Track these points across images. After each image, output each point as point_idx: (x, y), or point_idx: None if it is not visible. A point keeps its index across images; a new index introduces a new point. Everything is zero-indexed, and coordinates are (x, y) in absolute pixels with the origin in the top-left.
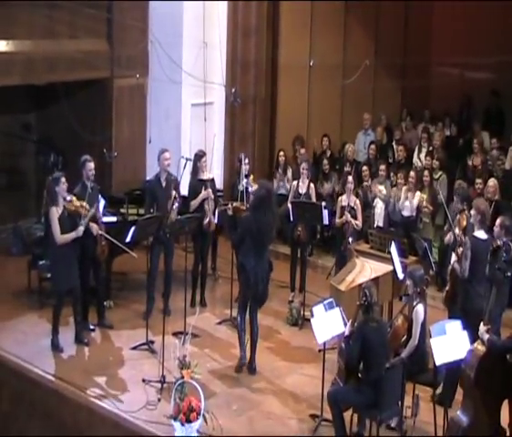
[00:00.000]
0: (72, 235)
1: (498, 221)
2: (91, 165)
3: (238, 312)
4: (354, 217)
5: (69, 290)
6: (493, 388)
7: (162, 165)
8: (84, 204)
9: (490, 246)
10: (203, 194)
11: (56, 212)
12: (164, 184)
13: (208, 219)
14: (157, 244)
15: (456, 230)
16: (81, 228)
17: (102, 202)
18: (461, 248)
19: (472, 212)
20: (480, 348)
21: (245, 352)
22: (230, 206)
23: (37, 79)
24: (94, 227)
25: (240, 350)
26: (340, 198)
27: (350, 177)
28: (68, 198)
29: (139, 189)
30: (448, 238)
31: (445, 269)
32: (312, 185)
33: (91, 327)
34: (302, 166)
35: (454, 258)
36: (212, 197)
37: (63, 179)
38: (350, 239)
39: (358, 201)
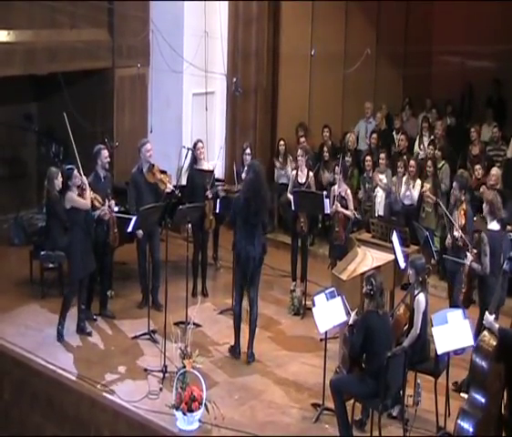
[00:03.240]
0: (83, 202)
1: None
2: (106, 152)
3: (234, 298)
4: (346, 206)
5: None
6: (500, 377)
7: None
8: (98, 197)
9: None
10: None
11: (73, 194)
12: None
13: (207, 219)
14: (142, 236)
15: (456, 230)
16: (88, 202)
17: None
18: (471, 249)
19: (483, 206)
20: (491, 338)
21: (239, 343)
22: (220, 187)
23: (38, 69)
24: (105, 211)
25: (235, 340)
26: (333, 188)
27: (337, 168)
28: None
29: None
30: (448, 241)
31: (443, 261)
32: (311, 174)
33: (94, 317)
34: (299, 154)
35: (469, 257)
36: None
37: (75, 172)
38: (336, 229)
39: (349, 191)
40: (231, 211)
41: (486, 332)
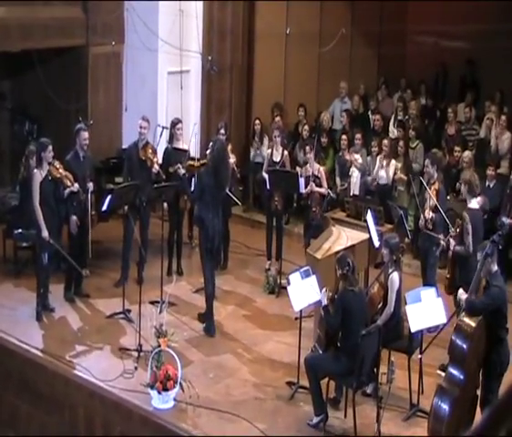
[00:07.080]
0: (43, 226)
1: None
2: (85, 134)
3: (205, 272)
4: (319, 185)
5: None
6: (478, 358)
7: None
8: (69, 175)
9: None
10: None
11: (39, 176)
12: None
13: (182, 198)
14: (132, 212)
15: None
16: (45, 234)
17: None
18: (451, 231)
19: (461, 187)
20: (471, 319)
21: (213, 321)
22: (180, 165)
23: (12, 46)
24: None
25: (209, 319)
26: (304, 168)
27: (307, 148)
28: (56, 163)
29: (115, 158)
30: (421, 223)
31: (418, 237)
32: (286, 153)
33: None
34: (275, 133)
35: (452, 242)
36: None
37: (50, 147)
38: (313, 209)
39: (322, 169)
40: (199, 185)
41: (463, 314)
